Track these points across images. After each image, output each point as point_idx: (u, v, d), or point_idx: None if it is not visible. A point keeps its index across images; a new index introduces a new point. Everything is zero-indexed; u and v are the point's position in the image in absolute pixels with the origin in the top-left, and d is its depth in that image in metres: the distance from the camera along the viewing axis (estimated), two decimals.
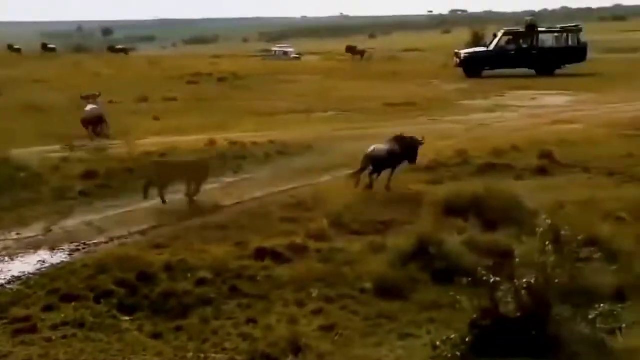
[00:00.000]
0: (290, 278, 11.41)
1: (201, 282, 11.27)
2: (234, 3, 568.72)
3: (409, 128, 23.91)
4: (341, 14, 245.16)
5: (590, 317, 9.17)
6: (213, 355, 9.35)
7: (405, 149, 16.87)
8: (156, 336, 9.78)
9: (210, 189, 16.60)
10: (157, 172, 16.01)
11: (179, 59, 57.07)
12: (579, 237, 9.73)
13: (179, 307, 10.52)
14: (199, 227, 14.04)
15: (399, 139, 17.02)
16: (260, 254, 12.35)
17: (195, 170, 16.15)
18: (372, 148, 16.69)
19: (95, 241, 13.37)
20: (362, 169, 16.54)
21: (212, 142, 20.73)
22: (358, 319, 10.21)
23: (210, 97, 33.80)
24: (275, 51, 71.77)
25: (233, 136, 22.05)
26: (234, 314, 10.38)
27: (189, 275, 11.45)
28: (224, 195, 16.30)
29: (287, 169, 18.60)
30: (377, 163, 16.50)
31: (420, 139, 17.20)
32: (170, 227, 14.15)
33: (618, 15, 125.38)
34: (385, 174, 16.66)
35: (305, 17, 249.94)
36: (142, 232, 13.90)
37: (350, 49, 65.64)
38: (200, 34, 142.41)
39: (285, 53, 69.26)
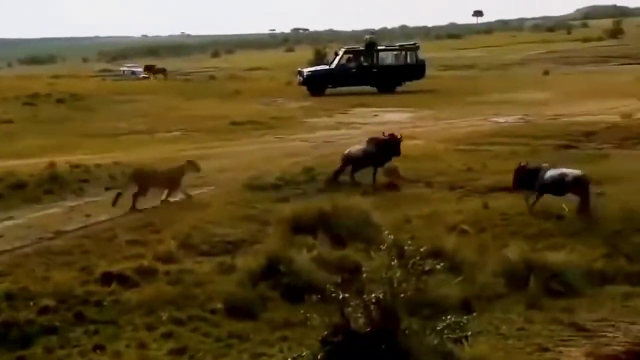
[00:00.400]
0: (139, 302, 11.19)
1: (44, 310, 10.89)
2: (72, 22, 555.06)
3: (255, 146, 24.06)
4: (182, 32, 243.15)
5: (438, 328, 9.38)
6: None
7: (382, 149, 18.75)
8: None
9: (52, 214, 16.10)
10: (136, 181, 16.75)
11: (15, 80, 55.08)
12: (423, 250, 9.92)
13: (21, 337, 10.11)
14: (40, 253, 13.53)
15: (375, 140, 19.09)
16: (107, 278, 12.05)
17: (170, 179, 17.14)
18: (348, 150, 19.08)
19: None
20: (341, 169, 18.75)
21: (52, 165, 20.01)
22: (210, 340, 10.11)
23: (49, 118, 32.80)
24: (124, 70, 70.39)
25: (74, 158, 21.43)
26: (80, 342, 10.08)
27: (32, 303, 11.03)
28: (67, 219, 15.80)
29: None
30: (355, 162, 18.74)
31: (398, 135, 19.19)
32: (9, 254, 13.57)
33: (453, 33, 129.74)
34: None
35: (145, 36, 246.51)
36: None
37: (148, 68, 64.69)
38: (37, 53, 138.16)
39: (134, 72, 68.01)
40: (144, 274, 12.30)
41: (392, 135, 19.30)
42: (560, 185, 15.70)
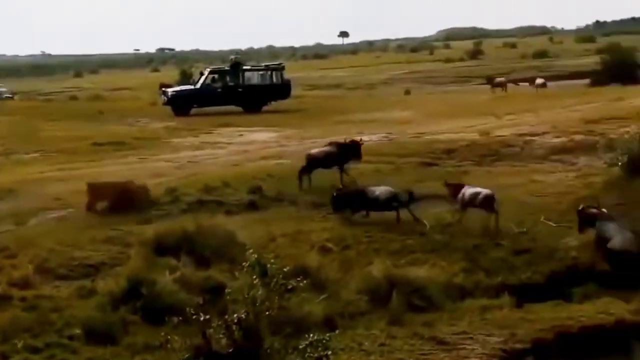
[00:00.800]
0: None
1: None
2: None
3: (118, 167, 23.59)
4: (43, 52, 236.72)
5: (301, 347, 9.36)
6: None
7: (344, 150, 20.54)
8: None
9: None
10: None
11: None
12: (286, 269, 9.89)
13: None
14: None
15: (335, 143, 20.96)
16: None
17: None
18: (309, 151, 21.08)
19: None
20: (305, 169, 20.20)
21: None
22: None
23: None
24: None
25: None
26: None
27: None
28: None
29: None
30: (313, 162, 20.35)
31: (359, 139, 21.14)
32: None
33: (319, 53, 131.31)
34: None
35: (3, 55, 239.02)
36: None
37: None
38: None
39: None
40: None
41: (353, 140, 21.15)
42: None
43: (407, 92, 53.55)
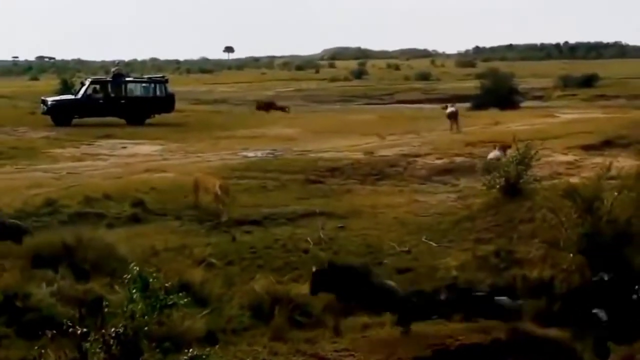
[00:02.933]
0: None
1: None
2: None
3: None
4: None
5: None
6: None
7: None
8: None
9: None
10: None
11: None
12: (168, 284, 9.76)
13: None
14: None
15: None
16: None
17: None
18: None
19: None
20: None
21: None
22: None
23: None
24: None
25: None
26: None
27: None
28: None
29: None
30: None
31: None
32: None
33: (204, 68, 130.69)
34: None
35: None
36: None
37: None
38: None
39: None
40: None
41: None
42: None
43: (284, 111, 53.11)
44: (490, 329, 12.11)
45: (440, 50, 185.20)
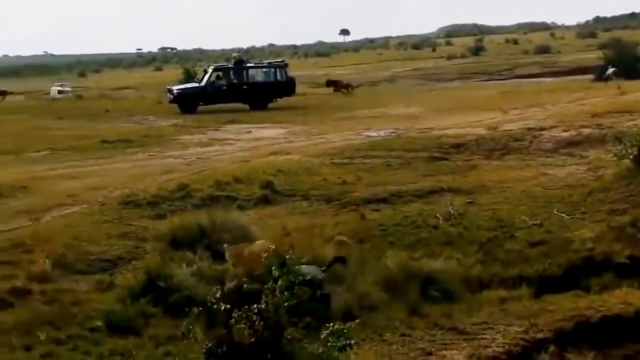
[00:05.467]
0: (15, 323, 10.81)
1: None
2: None
3: (127, 164, 23.68)
4: (45, 52, 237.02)
5: (322, 336, 9.42)
6: None
7: None
8: None
9: None
10: None
11: None
12: (304, 260, 9.98)
13: None
14: None
15: None
16: None
17: None
18: None
19: None
20: None
21: None
22: (91, 358, 9.88)
23: None
24: (58, 90, 67.34)
25: None
26: None
27: None
28: None
29: (0, 212, 17.58)
30: None
31: None
32: None
33: (321, 51, 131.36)
34: None
35: (6, 55, 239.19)
36: None
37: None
38: None
39: (60, 92, 65.21)
40: (18, 295, 11.92)
41: None
42: None
43: (414, 89, 53.36)
44: (631, 300, 11.86)
45: (559, 22, 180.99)
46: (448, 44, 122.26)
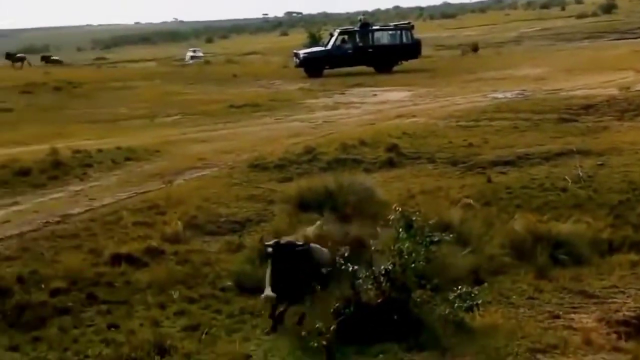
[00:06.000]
0: (150, 282, 11.22)
1: (56, 292, 10.88)
2: (63, 11, 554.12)
3: (255, 128, 24.11)
4: (175, 19, 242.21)
5: (450, 298, 9.45)
6: None
7: None
8: (13, 349, 9.40)
9: (58, 198, 16.11)
10: None
11: (9, 69, 54.89)
12: (431, 222, 9.98)
13: (35, 319, 10.12)
14: (48, 237, 13.52)
15: None
16: (116, 259, 12.07)
17: None
18: None
19: None
20: None
21: (54, 152, 19.90)
22: (222, 317, 10.15)
23: (48, 106, 32.68)
24: (192, 55, 69.27)
25: (75, 144, 21.35)
26: (93, 321, 10.10)
27: (43, 285, 11.05)
28: (72, 203, 15.79)
29: (136, 175, 18.23)
30: None
31: None
32: (17, 238, 13.54)
33: (447, 13, 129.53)
34: None
35: (138, 23, 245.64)
36: None
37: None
38: (30, 43, 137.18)
39: (193, 57, 67.01)
40: (152, 255, 12.34)
41: None
42: None
43: (541, 49, 52.20)
44: None
45: None
46: (578, 2, 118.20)
